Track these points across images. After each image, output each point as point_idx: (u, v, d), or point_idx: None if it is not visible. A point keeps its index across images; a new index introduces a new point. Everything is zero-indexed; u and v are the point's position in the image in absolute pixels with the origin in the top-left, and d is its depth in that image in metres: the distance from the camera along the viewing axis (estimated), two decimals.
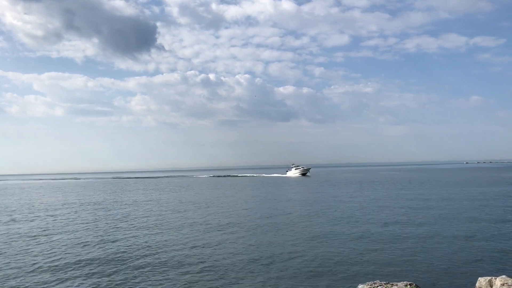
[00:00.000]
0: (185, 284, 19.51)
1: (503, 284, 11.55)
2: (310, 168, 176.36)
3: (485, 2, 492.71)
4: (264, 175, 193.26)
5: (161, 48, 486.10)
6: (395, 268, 21.16)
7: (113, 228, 36.91)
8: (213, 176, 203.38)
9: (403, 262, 22.21)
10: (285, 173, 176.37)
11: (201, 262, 23.53)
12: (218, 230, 34.30)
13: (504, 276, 11.65)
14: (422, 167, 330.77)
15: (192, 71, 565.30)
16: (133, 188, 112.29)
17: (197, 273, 21.27)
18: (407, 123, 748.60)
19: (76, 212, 51.76)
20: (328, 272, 20.96)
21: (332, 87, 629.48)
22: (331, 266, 22.02)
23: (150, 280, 20.14)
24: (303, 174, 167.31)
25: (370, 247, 26.20)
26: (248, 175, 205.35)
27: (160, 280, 20.19)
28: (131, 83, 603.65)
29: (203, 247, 27.59)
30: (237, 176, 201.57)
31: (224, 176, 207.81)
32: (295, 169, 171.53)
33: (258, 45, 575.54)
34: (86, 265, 23.30)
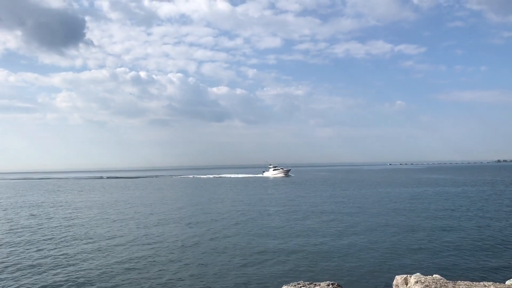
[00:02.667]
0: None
1: (416, 282, 11.78)
2: (290, 169, 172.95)
3: (410, 11, 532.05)
4: (241, 175, 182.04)
5: (89, 43, 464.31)
6: (318, 268, 21.24)
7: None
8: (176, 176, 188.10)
9: (326, 263, 22.39)
10: (262, 174, 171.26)
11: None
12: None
13: (418, 273, 11.90)
14: (349, 168, 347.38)
15: (122, 68, 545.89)
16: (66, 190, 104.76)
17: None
18: (335, 125, 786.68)
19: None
20: (253, 272, 20.52)
21: (264, 89, 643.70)
22: (257, 266, 21.63)
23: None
24: (286, 175, 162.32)
25: (295, 248, 26.24)
26: (228, 175, 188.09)
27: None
28: (56, 79, 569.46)
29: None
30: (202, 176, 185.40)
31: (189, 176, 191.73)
32: (274, 169, 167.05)
33: (191, 44, 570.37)
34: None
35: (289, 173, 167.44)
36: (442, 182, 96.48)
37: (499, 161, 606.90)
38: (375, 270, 20.59)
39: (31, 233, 33.14)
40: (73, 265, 22.62)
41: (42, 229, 35.16)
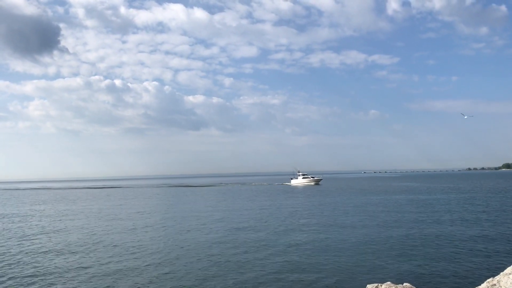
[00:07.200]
0: None
1: None
2: (322, 179, 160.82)
3: (386, 22, 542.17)
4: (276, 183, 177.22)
5: (64, 50, 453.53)
6: (287, 277, 21.31)
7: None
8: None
9: (295, 272, 22.38)
10: (290, 181, 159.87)
11: None
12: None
13: (388, 282, 12.30)
14: (325, 177, 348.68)
15: (97, 76, 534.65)
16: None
17: None
18: (311, 134, 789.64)
19: None
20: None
21: (241, 97, 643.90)
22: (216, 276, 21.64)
23: None
24: (316, 184, 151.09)
25: (273, 255, 26.37)
26: (265, 183, 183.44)
27: None
28: (28, 86, 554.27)
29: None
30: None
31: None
32: (303, 177, 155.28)
33: (167, 52, 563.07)
34: None
35: (319, 182, 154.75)
36: (417, 190, 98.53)
37: (469, 169, 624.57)
38: (346, 279, 20.74)
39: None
40: None
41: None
